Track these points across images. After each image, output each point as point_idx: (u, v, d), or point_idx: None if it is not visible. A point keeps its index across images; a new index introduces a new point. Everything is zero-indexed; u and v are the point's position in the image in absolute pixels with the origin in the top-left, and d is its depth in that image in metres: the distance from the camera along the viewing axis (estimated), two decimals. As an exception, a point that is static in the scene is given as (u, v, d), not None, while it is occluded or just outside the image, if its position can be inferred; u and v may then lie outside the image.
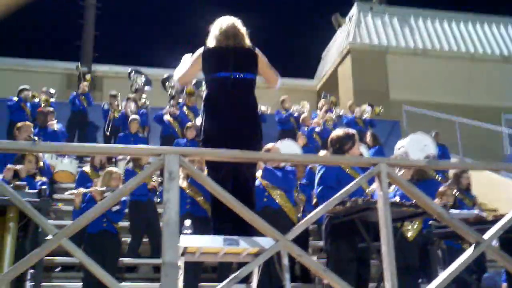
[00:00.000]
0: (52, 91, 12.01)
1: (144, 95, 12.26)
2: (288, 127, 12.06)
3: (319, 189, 4.61)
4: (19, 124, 7.16)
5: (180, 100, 11.72)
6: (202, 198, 5.97)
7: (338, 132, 4.77)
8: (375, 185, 4.94)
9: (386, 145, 11.39)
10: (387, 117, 14.81)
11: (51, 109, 10.03)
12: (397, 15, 19.04)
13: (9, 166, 5.64)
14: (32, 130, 7.30)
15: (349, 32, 18.29)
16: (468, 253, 2.83)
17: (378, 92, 16.19)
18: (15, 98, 10.36)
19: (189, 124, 9.89)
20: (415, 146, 8.81)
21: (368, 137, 10.22)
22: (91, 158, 7.46)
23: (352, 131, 4.74)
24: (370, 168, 3.06)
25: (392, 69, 17.39)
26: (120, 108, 11.32)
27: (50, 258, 6.28)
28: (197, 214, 5.63)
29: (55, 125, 9.46)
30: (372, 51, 17.67)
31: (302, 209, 6.58)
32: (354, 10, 18.95)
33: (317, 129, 11.41)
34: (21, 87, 10.71)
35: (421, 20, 19.07)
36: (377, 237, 4.14)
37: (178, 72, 4.11)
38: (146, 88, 12.62)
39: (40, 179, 5.95)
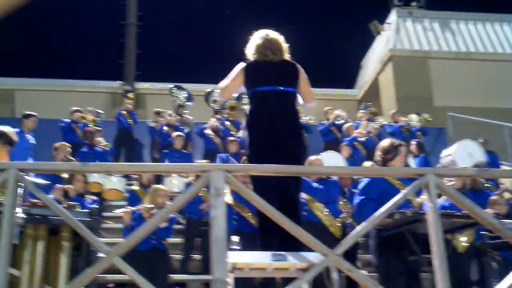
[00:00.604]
0: (100, 111, 12.33)
1: (186, 111, 12.43)
2: (331, 138, 11.97)
3: (359, 199, 4.56)
4: (57, 145, 7.32)
5: (224, 115, 11.83)
6: (249, 213, 5.97)
7: (384, 142, 4.72)
8: (423, 196, 4.86)
9: (432, 154, 11.15)
10: (432, 125, 14.50)
11: (99, 128, 10.33)
12: (437, 19, 18.72)
13: (58, 186, 5.81)
14: (69, 150, 7.41)
15: (388, 39, 18.09)
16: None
17: (421, 98, 15.93)
18: (67, 120, 10.68)
19: (231, 138, 9.96)
20: (463, 154, 8.62)
21: (413, 146, 10.02)
22: (139, 176, 7.61)
23: (397, 142, 4.67)
24: (417, 179, 3.01)
25: (435, 75, 17.08)
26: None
27: (102, 276, 6.39)
28: (246, 230, 5.58)
29: (103, 142, 9.77)
30: (413, 57, 17.41)
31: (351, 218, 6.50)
32: (393, 16, 18.75)
33: (361, 139, 11.26)
34: (73, 108, 11.03)
35: (462, 23, 18.69)
36: (427, 249, 4.06)
37: (221, 85, 4.15)
38: (188, 103, 12.79)
39: (90, 197, 6.10)
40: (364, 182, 4.63)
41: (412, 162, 9.29)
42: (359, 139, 11.17)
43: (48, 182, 5.27)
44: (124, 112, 11.86)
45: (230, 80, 4.01)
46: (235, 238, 3.52)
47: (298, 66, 4.00)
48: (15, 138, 4.91)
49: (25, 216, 3.58)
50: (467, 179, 5.70)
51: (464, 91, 16.48)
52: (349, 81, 21.04)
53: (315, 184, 5.88)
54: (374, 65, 18.85)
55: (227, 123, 11.52)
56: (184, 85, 13.60)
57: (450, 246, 4.30)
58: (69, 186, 5.88)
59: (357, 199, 4.60)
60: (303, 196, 5.82)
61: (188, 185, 7.15)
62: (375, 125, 12.23)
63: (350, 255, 6.11)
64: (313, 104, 4.16)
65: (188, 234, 7.15)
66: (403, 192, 3.09)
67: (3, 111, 16.36)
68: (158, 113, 11.84)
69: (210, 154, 10.47)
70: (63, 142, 7.50)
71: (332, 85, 18.68)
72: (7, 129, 4.87)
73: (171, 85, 13.33)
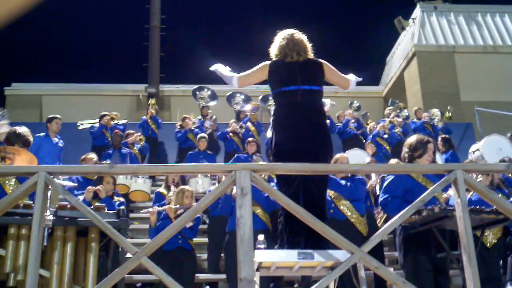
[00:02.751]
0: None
1: (210, 111, 12.47)
2: (350, 135, 11.91)
3: (383, 197, 4.52)
4: (82, 157, 7.46)
5: (247, 114, 11.85)
6: (260, 210, 5.94)
7: (412, 138, 4.65)
8: (450, 192, 4.79)
9: (460, 149, 10.98)
10: (459, 120, 14.31)
11: (131, 131, 10.66)
12: (463, 13, 18.43)
13: (89, 187, 5.89)
14: (96, 160, 7.52)
15: (413, 34, 17.88)
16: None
17: (448, 94, 15.71)
18: (97, 125, 10.84)
19: (250, 139, 9.98)
20: (491, 149, 8.48)
21: (440, 142, 9.88)
22: (165, 179, 7.66)
23: (425, 138, 4.60)
24: (444, 175, 2.97)
25: (461, 69, 16.81)
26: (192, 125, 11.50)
27: (129, 276, 6.45)
28: (256, 228, 5.49)
29: (138, 140, 10.14)
30: (439, 52, 17.18)
31: (383, 220, 6.46)
32: (417, 11, 18.52)
33: (385, 136, 11.19)
34: (102, 113, 11.21)
35: (489, 16, 18.36)
36: (454, 246, 4.00)
37: (241, 74, 4.13)
38: (211, 103, 12.84)
39: (118, 199, 6.16)
40: (388, 179, 4.58)
41: (440, 158, 9.16)
42: (383, 136, 11.11)
43: (75, 184, 5.35)
44: (149, 120, 11.92)
45: (253, 71, 4.02)
46: (261, 237, 3.51)
47: (322, 61, 3.99)
48: (31, 138, 4.95)
49: (54, 218, 3.63)
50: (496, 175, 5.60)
51: (491, 85, 16.18)
52: (374, 78, 20.90)
53: (342, 182, 5.84)
54: (399, 61, 18.65)
55: (249, 124, 11.54)
56: (208, 86, 13.66)
57: (479, 242, 4.22)
58: (100, 188, 5.94)
59: (381, 197, 4.56)
60: (329, 193, 5.79)
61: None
62: (399, 119, 12.15)
63: (377, 253, 6.08)
64: (352, 86, 4.22)
65: (210, 232, 7.14)
66: (431, 188, 3.05)
67: (31, 116, 16.67)
68: (183, 119, 11.81)
69: (231, 155, 10.51)
70: (89, 155, 7.57)
71: (357, 82, 18.55)
72: (22, 129, 4.90)
73: (195, 86, 13.40)
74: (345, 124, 11.98)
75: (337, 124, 12.21)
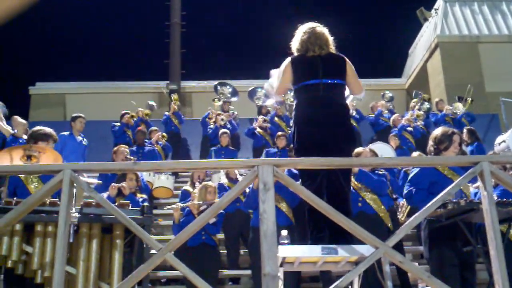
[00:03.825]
0: (153, 103, 12.53)
1: (231, 106, 12.47)
2: (383, 127, 11.78)
3: (408, 189, 4.48)
4: (115, 149, 7.59)
5: (270, 110, 11.81)
6: (285, 204, 5.92)
7: (437, 131, 4.60)
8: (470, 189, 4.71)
9: (485, 141, 10.81)
10: (484, 111, 14.08)
11: (154, 128, 10.74)
12: (486, 2, 18.10)
13: (113, 184, 5.96)
14: (128, 151, 7.66)
15: (436, 25, 17.63)
16: None
17: (472, 85, 15.43)
18: (118, 124, 10.96)
19: (280, 133, 9.96)
20: (518, 140, 8.33)
21: (465, 133, 9.72)
22: (190, 176, 7.69)
23: (450, 130, 4.53)
24: (471, 168, 2.92)
25: (485, 60, 16.51)
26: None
27: (154, 272, 6.50)
28: (281, 224, 5.38)
29: (160, 138, 10.23)
30: (462, 42, 16.89)
31: (406, 213, 6.40)
32: (440, 2, 18.25)
33: (408, 128, 11.06)
34: (123, 111, 11.30)
35: (513, 5, 18.02)
36: (479, 240, 3.94)
37: (272, 85, 4.16)
38: (233, 98, 12.84)
39: (141, 196, 6.21)
40: (413, 172, 4.53)
41: (465, 150, 9.02)
42: (407, 128, 10.98)
43: (100, 182, 5.41)
44: (172, 115, 11.95)
45: (281, 77, 4.00)
46: (284, 232, 3.50)
47: (345, 58, 3.96)
48: (57, 137, 5.10)
49: (79, 215, 3.68)
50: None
51: (517, 75, 15.87)
52: (396, 70, 20.69)
53: (376, 177, 5.80)
54: (422, 53, 18.42)
55: (276, 118, 11.50)
56: (229, 82, 13.67)
57: (506, 236, 4.14)
58: (123, 184, 5.99)
59: (405, 189, 4.52)
60: (354, 186, 5.73)
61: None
62: (420, 112, 11.97)
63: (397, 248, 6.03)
64: (362, 94, 4.11)
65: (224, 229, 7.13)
66: (456, 181, 3.00)
67: (55, 115, 16.91)
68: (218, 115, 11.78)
69: (261, 150, 10.49)
70: (121, 145, 7.70)
71: (379, 75, 18.42)
72: (49, 129, 5.02)
73: (215, 82, 13.43)
74: (377, 115, 11.84)
75: (369, 115, 12.08)
